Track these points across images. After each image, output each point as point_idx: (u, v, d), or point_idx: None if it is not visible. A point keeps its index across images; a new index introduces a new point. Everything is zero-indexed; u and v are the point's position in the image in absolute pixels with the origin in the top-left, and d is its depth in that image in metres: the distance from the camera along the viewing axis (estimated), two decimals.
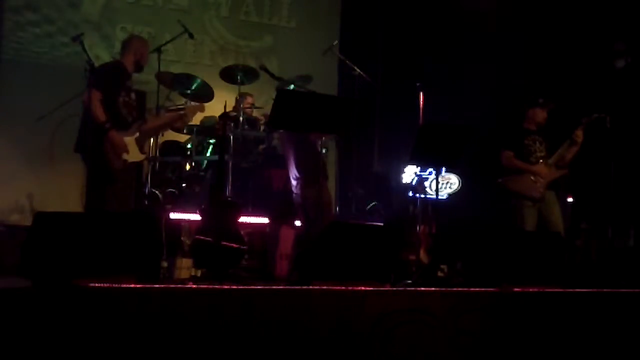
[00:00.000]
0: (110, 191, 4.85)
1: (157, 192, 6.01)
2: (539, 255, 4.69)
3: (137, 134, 5.05)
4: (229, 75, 6.68)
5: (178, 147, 6.69)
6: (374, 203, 7.02)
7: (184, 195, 6.23)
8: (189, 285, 3.70)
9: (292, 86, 6.20)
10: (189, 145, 6.54)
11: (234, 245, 5.13)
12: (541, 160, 5.82)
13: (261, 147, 6.57)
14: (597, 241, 6.81)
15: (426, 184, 6.40)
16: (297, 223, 5.79)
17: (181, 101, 6.47)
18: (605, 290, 4.57)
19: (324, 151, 6.07)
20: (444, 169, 6.43)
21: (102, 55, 7.44)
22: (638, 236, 6.72)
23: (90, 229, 3.69)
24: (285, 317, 3.58)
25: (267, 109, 5.89)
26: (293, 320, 3.59)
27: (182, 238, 5.52)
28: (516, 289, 4.29)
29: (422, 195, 6.39)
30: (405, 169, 6.59)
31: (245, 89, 6.79)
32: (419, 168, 6.40)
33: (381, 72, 8.40)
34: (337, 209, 6.44)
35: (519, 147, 5.83)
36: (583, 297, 4.38)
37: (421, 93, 5.71)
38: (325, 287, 3.82)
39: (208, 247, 5.00)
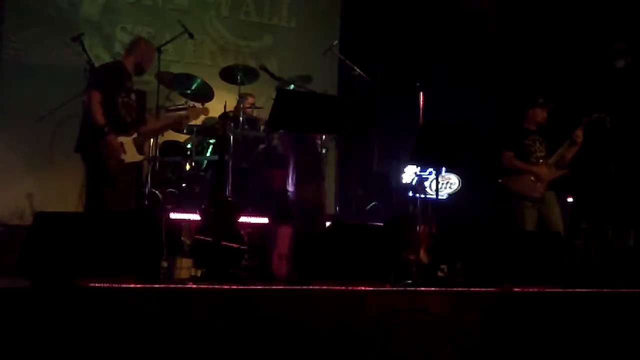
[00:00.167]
0: (109, 191, 4.84)
1: (157, 192, 6.01)
2: (539, 255, 4.69)
3: (135, 134, 5.04)
4: (229, 75, 6.68)
5: (178, 147, 6.69)
6: (374, 203, 7.02)
7: (184, 195, 6.23)
8: (189, 285, 3.70)
9: (292, 86, 6.20)
10: (189, 145, 6.54)
11: (234, 245, 5.13)
12: (541, 160, 5.82)
13: (261, 147, 6.57)
14: (597, 241, 6.81)
15: (426, 184, 6.40)
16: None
17: (181, 101, 6.47)
18: (605, 290, 4.57)
19: (324, 151, 6.08)
20: (444, 169, 6.43)
21: (102, 55, 7.44)
22: (638, 236, 6.72)
23: (90, 229, 3.69)
24: (285, 317, 3.58)
25: (267, 109, 5.89)
26: (293, 320, 3.59)
27: (182, 238, 5.52)
28: (516, 289, 4.29)
29: (422, 195, 6.39)
30: (405, 169, 6.59)
31: (245, 89, 6.79)
32: (419, 168, 6.40)
33: (381, 72, 8.40)
34: (337, 209, 6.44)
35: (519, 147, 5.83)
36: (583, 297, 4.38)
37: (421, 93, 5.71)
38: (325, 287, 3.82)
39: (208, 247, 5.00)
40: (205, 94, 6.44)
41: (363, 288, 3.84)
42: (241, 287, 3.70)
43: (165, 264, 5.06)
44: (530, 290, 4.31)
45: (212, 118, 6.61)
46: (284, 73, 6.66)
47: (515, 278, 4.44)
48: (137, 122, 5.15)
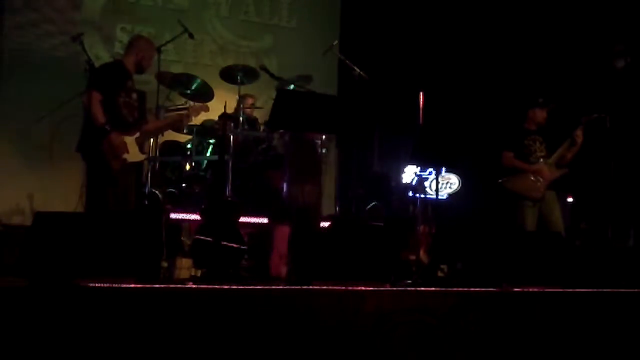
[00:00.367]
0: (111, 191, 4.84)
1: (157, 192, 6.00)
2: (539, 255, 4.68)
3: (138, 134, 5.03)
4: (229, 75, 6.68)
5: (178, 147, 6.69)
6: (374, 203, 7.01)
7: (184, 195, 6.23)
8: (189, 285, 3.70)
9: (292, 86, 6.20)
10: (189, 145, 6.54)
11: (234, 245, 5.13)
12: (541, 160, 5.82)
13: (261, 147, 6.57)
14: (597, 241, 6.81)
15: (426, 184, 6.40)
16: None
17: (181, 101, 6.47)
18: (605, 290, 4.57)
19: (323, 151, 6.08)
20: (444, 169, 6.43)
21: (102, 55, 7.45)
22: (638, 236, 6.72)
23: (90, 229, 3.69)
24: (285, 317, 3.58)
25: (267, 109, 5.89)
26: (293, 320, 3.59)
27: (182, 238, 5.52)
28: (516, 289, 4.29)
29: (422, 195, 6.39)
30: (405, 169, 6.59)
31: (245, 89, 6.79)
32: (419, 168, 6.40)
33: (381, 72, 8.39)
34: (337, 209, 6.45)
35: (519, 147, 5.84)
36: (583, 297, 4.38)
37: (421, 93, 5.71)
38: (325, 287, 3.82)
39: (208, 247, 5.00)
40: (205, 94, 6.44)
41: (363, 288, 3.84)
42: (241, 287, 3.69)
43: (165, 264, 5.06)
44: (530, 290, 4.31)
45: (211, 119, 6.62)
46: (284, 73, 6.65)
47: (515, 278, 4.44)
48: (139, 122, 5.14)
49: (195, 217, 5.54)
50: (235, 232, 5.24)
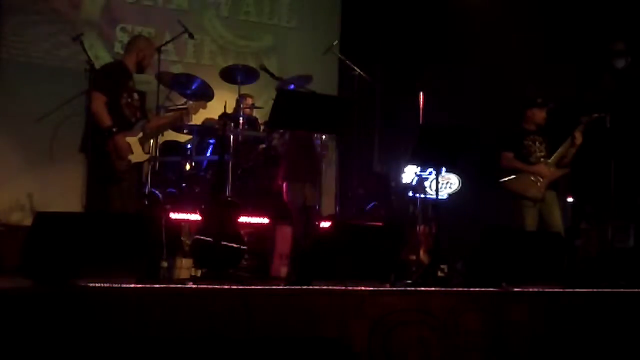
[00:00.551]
0: (115, 192, 4.84)
1: (157, 192, 6.00)
2: (539, 255, 4.69)
3: (141, 134, 5.04)
4: (229, 75, 6.67)
5: (178, 147, 6.69)
6: (374, 203, 7.01)
7: (184, 195, 6.23)
8: (189, 285, 3.71)
9: (292, 86, 6.20)
10: (189, 145, 6.54)
11: (234, 245, 5.13)
12: (541, 160, 5.82)
13: (261, 147, 6.57)
14: (597, 241, 6.81)
15: (426, 184, 6.39)
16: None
17: (181, 101, 6.46)
18: (605, 290, 4.57)
19: (324, 152, 6.07)
20: (444, 169, 6.43)
21: (102, 55, 7.44)
22: (638, 236, 6.72)
23: (91, 229, 3.69)
24: (285, 317, 3.58)
25: (267, 109, 5.89)
26: (293, 320, 3.59)
27: (182, 238, 5.52)
28: (516, 289, 4.29)
29: (422, 195, 6.39)
30: (405, 169, 6.58)
31: (245, 89, 6.79)
32: (419, 168, 6.40)
33: (381, 72, 8.39)
34: (337, 209, 6.44)
35: (518, 148, 5.84)
36: (583, 297, 4.38)
37: (421, 93, 5.71)
38: (325, 287, 3.82)
39: (208, 247, 5.00)
40: (205, 94, 6.43)
41: (363, 288, 3.84)
42: (241, 287, 3.70)
43: (165, 264, 5.06)
44: (530, 290, 4.31)
45: (212, 119, 6.62)
46: (284, 73, 6.65)
47: (515, 278, 4.44)
48: (142, 122, 5.14)
49: (195, 217, 5.54)
50: (235, 232, 5.24)
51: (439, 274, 5.36)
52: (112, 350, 3.21)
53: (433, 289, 4.12)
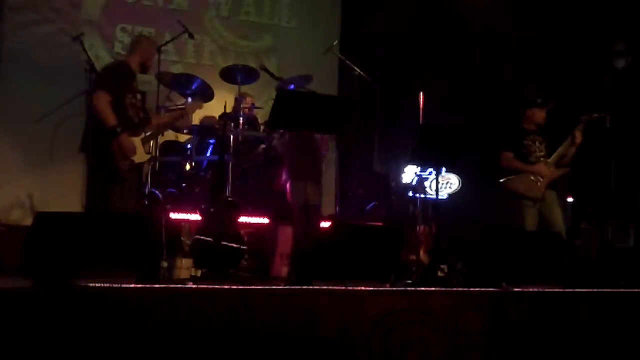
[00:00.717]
0: (117, 192, 4.84)
1: (157, 192, 6.01)
2: (539, 255, 4.69)
3: (143, 134, 5.04)
4: (229, 75, 6.67)
5: (178, 147, 6.69)
6: (374, 203, 7.01)
7: (184, 195, 6.23)
8: (189, 285, 3.71)
9: (292, 86, 6.19)
10: (189, 145, 6.54)
11: (234, 245, 5.13)
12: (541, 160, 5.82)
13: (261, 147, 6.57)
14: (597, 241, 6.81)
15: (426, 184, 6.39)
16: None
17: (181, 101, 6.46)
18: (605, 290, 4.57)
19: (324, 153, 6.07)
20: (444, 169, 6.43)
21: (102, 55, 7.44)
22: (638, 236, 6.72)
23: (91, 229, 3.69)
24: (285, 317, 3.58)
25: (267, 109, 5.89)
26: (293, 320, 3.59)
27: (182, 238, 5.52)
28: (516, 289, 4.29)
29: (422, 195, 6.39)
30: (405, 169, 6.59)
31: (245, 89, 6.79)
32: (419, 168, 6.40)
33: (381, 72, 8.40)
34: (337, 209, 6.44)
35: (518, 147, 5.84)
36: (583, 297, 4.38)
37: (421, 93, 5.71)
38: (325, 287, 3.82)
39: (208, 247, 5.00)
40: (205, 94, 6.43)
41: (363, 288, 3.84)
42: (241, 287, 3.70)
43: (165, 264, 5.07)
44: (530, 290, 4.31)
45: (211, 118, 6.62)
46: (284, 73, 6.65)
47: (515, 278, 4.44)
48: (144, 122, 5.15)
49: (195, 217, 5.54)
50: (235, 232, 5.24)
51: (439, 274, 5.36)
52: (112, 350, 3.21)
53: (433, 289, 4.12)
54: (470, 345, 3.94)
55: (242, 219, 5.63)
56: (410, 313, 3.84)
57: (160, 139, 6.33)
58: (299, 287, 3.91)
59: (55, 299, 3.21)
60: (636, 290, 4.58)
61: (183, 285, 3.68)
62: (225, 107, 5.69)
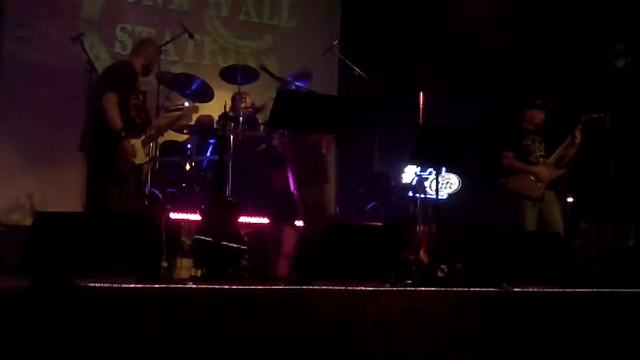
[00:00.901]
0: (117, 192, 4.84)
1: (157, 192, 6.01)
2: (539, 255, 4.69)
3: (144, 136, 5.04)
4: (229, 75, 6.68)
5: (178, 147, 6.69)
6: (374, 203, 7.01)
7: (184, 195, 6.23)
8: (189, 285, 3.70)
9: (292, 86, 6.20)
10: (188, 145, 6.54)
11: (234, 245, 5.13)
12: (541, 160, 5.82)
13: (261, 147, 6.57)
14: (597, 241, 6.81)
15: (426, 184, 6.39)
16: (299, 223, 5.79)
17: (181, 101, 6.47)
18: (605, 290, 4.57)
19: (323, 151, 6.07)
20: (443, 169, 6.43)
21: (102, 55, 7.45)
22: (638, 236, 6.72)
23: (90, 229, 3.69)
24: (285, 317, 3.58)
25: (267, 109, 5.89)
26: (293, 320, 3.59)
27: (182, 238, 5.52)
28: (516, 289, 4.29)
29: (422, 195, 6.39)
30: (405, 169, 6.58)
31: (245, 89, 6.79)
32: (419, 168, 6.40)
33: (381, 72, 8.40)
34: (337, 209, 6.44)
35: (518, 147, 5.84)
36: (583, 297, 4.38)
37: (421, 93, 5.71)
38: (325, 287, 3.82)
39: (208, 247, 5.00)
40: (205, 94, 6.44)
41: (363, 288, 3.84)
42: (241, 287, 3.70)
43: (165, 264, 5.06)
44: (530, 290, 4.31)
45: (208, 117, 6.62)
46: (284, 73, 6.65)
47: (515, 278, 4.44)
48: (146, 123, 5.15)
49: (195, 217, 5.54)
50: (235, 232, 5.24)
51: (439, 274, 5.36)
52: (112, 350, 3.21)
53: (433, 289, 4.11)
54: (470, 345, 3.94)
55: (242, 219, 5.63)
56: (410, 313, 3.83)
57: (160, 139, 6.34)
58: (299, 287, 3.91)
59: (55, 299, 3.20)
60: (636, 290, 4.58)
61: (183, 285, 3.68)
62: (225, 107, 5.69)
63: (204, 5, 8.19)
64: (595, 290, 4.52)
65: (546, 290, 4.33)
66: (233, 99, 6.69)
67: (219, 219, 5.19)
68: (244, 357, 3.45)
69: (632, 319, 4.38)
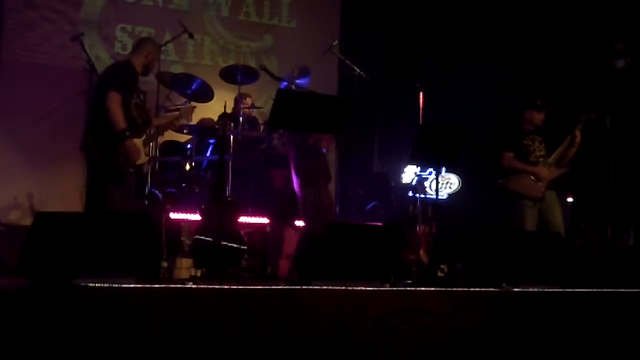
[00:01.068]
0: (117, 193, 4.84)
1: (157, 192, 6.01)
2: (539, 255, 4.69)
3: (144, 136, 5.04)
4: (229, 75, 6.68)
5: (178, 147, 6.69)
6: (374, 203, 7.02)
7: (184, 195, 6.23)
8: (189, 285, 3.71)
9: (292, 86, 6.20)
10: (189, 145, 6.54)
11: (234, 245, 5.13)
12: (541, 160, 5.82)
13: (261, 147, 6.57)
14: (597, 241, 6.81)
15: (426, 184, 6.40)
16: (299, 223, 5.79)
17: (181, 101, 6.47)
18: (605, 290, 4.57)
19: (324, 150, 6.07)
20: (443, 169, 6.44)
21: (102, 55, 7.45)
22: (638, 236, 6.72)
23: (90, 229, 3.69)
24: (285, 317, 3.58)
25: (267, 109, 5.90)
26: (293, 320, 3.59)
27: (182, 238, 5.53)
28: (516, 289, 4.29)
29: (422, 195, 6.39)
30: (405, 169, 6.59)
31: (245, 89, 6.79)
32: (419, 168, 6.40)
33: (381, 72, 8.40)
34: (337, 209, 6.45)
35: (518, 147, 5.83)
36: (583, 297, 4.38)
37: (421, 93, 5.71)
38: (325, 287, 3.82)
39: (208, 247, 5.00)
40: (205, 94, 6.44)
41: (363, 288, 3.84)
42: (241, 287, 3.70)
43: (165, 264, 5.07)
44: (530, 290, 4.31)
45: (209, 119, 6.62)
46: (284, 73, 6.65)
47: (515, 278, 4.44)
48: (147, 123, 5.15)
49: (195, 217, 5.54)
50: (235, 232, 5.24)
51: (439, 274, 5.37)
52: (112, 350, 3.21)
53: (433, 289, 4.11)
54: (470, 345, 3.94)
55: (242, 219, 5.63)
56: (410, 313, 3.83)
57: (160, 139, 6.34)
58: (299, 287, 3.91)
59: (55, 299, 3.21)
60: (636, 290, 4.58)
61: (183, 285, 3.68)
62: (225, 107, 5.70)
63: (204, 5, 8.19)
64: (595, 290, 4.52)
65: (546, 290, 4.33)
66: (236, 101, 6.69)
67: (219, 219, 5.19)
68: (244, 357, 3.45)
69: (632, 319, 4.38)
